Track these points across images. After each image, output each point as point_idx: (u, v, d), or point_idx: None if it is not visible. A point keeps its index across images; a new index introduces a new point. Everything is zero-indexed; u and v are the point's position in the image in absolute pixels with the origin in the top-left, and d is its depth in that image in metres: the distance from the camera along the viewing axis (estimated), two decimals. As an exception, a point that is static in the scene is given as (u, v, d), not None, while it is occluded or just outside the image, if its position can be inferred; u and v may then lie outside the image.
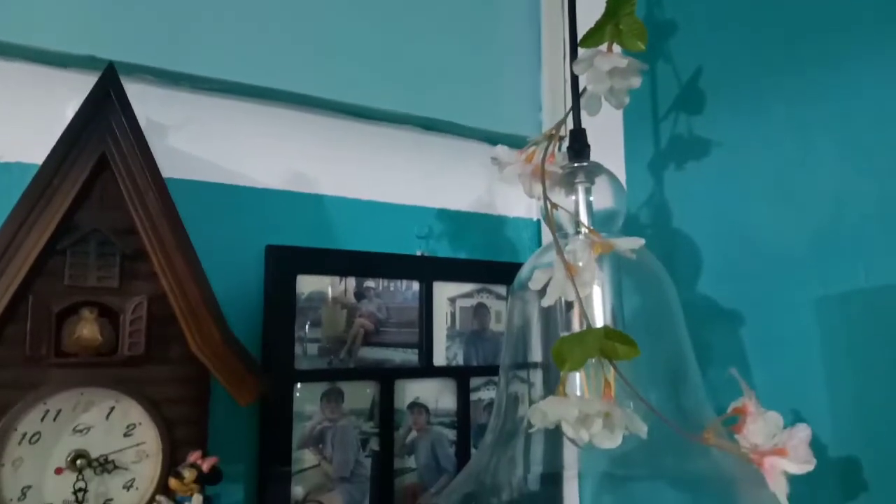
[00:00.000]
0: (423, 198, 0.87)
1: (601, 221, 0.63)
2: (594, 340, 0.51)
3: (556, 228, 0.63)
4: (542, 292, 0.66)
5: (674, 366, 0.61)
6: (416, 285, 0.84)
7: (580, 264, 0.55)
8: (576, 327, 0.61)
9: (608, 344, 0.51)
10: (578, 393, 0.59)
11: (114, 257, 0.59)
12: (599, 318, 0.62)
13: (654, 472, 0.69)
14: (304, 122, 0.80)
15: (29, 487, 0.56)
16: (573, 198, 0.63)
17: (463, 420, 0.84)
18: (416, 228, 0.86)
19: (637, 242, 0.56)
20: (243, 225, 0.75)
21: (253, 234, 0.75)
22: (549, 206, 0.58)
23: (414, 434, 0.81)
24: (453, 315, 0.86)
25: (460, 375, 0.85)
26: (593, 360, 0.53)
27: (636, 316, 0.61)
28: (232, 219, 0.74)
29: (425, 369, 0.82)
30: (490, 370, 0.87)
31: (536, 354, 0.70)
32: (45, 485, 0.57)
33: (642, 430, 0.50)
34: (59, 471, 0.57)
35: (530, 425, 0.70)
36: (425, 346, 0.83)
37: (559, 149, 0.64)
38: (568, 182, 0.63)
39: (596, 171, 0.63)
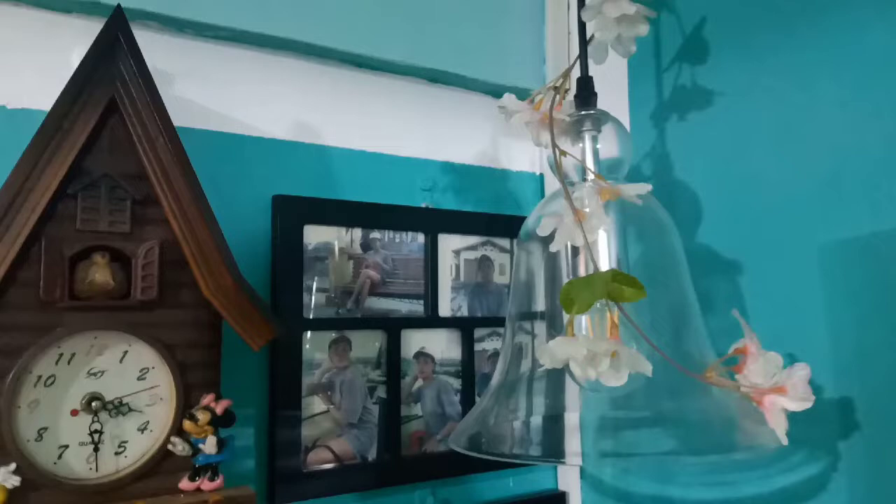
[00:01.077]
0: (427, 150, 0.87)
1: (607, 169, 0.63)
2: (602, 283, 0.52)
3: (563, 177, 0.64)
4: (549, 239, 0.68)
5: (677, 310, 0.62)
6: (421, 237, 0.84)
7: (587, 210, 0.56)
8: (582, 273, 0.62)
9: (615, 286, 0.52)
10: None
11: (124, 202, 0.60)
12: (605, 264, 0.63)
13: (655, 413, 0.71)
14: (310, 72, 0.80)
15: (45, 429, 0.57)
16: (580, 145, 0.63)
17: (468, 369, 0.85)
18: (420, 181, 0.86)
19: (644, 188, 0.56)
20: (249, 175, 0.75)
21: (258, 184, 0.75)
22: (557, 152, 0.58)
23: (420, 382, 0.83)
24: (458, 267, 0.87)
25: (465, 326, 0.86)
26: (599, 304, 0.54)
27: (640, 261, 0.62)
28: (238, 169, 0.74)
29: (431, 320, 0.84)
30: (494, 321, 0.88)
31: (541, 305, 0.71)
32: (61, 426, 0.58)
33: (647, 368, 0.52)
34: (74, 413, 0.58)
35: (539, 365, 0.72)
36: (431, 298, 0.84)
37: (565, 98, 0.65)
38: (575, 130, 0.63)
39: (603, 118, 0.64)
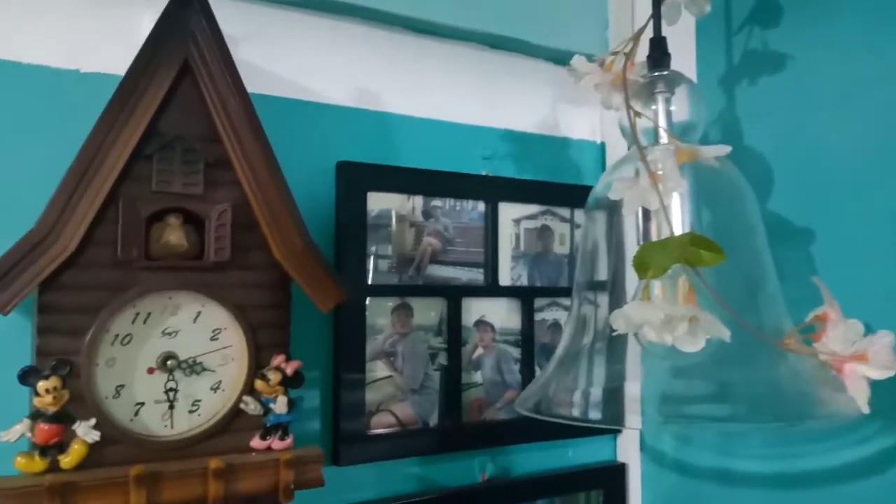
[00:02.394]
0: (487, 118, 0.86)
1: (680, 133, 0.62)
2: (679, 246, 0.51)
3: (633, 141, 0.63)
4: (614, 208, 0.66)
5: (752, 278, 0.60)
6: (481, 205, 0.84)
7: (662, 172, 0.55)
8: (654, 239, 0.61)
9: (692, 250, 0.51)
10: (655, 302, 0.59)
11: (197, 164, 0.60)
12: (678, 229, 0.61)
13: (721, 383, 0.69)
14: (372, 38, 0.79)
15: (122, 386, 0.58)
16: (653, 107, 0.62)
17: (527, 339, 0.85)
18: (480, 149, 0.85)
19: (723, 150, 0.55)
20: (312, 141, 0.75)
21: (322, 150, 0.75)
22: (631, 113, 0.57)
23: (480, 351, 0.83)
24: (518, 236, 0.86)
25: (525, 295, 0.86)
26: (673, 269, 0.53)
27: (714, 227, 0.61)
28: (301, 135, 0.74)
29: (491, 288, 0.83)
30: (554, 291, 0.88)
31: (605, 275, 0.70)
32: (137, 384, 0.59)
33: (725, 334, 0.51)
34: (150, 371, 0.59)
35: (601, 336, 0.71)
36: (491, 266, 0.83)
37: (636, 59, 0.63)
38: (647, 92, 0.62)
39: (676, 80, 0.62)
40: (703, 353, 0.53)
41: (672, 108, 0.61)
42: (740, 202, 0.61)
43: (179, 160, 0.60)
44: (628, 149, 0.81)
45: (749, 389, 0.60)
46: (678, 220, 0.61)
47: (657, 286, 0.60)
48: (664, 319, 0.48)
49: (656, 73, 0.62)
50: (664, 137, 0.61)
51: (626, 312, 0.50)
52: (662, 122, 0.61)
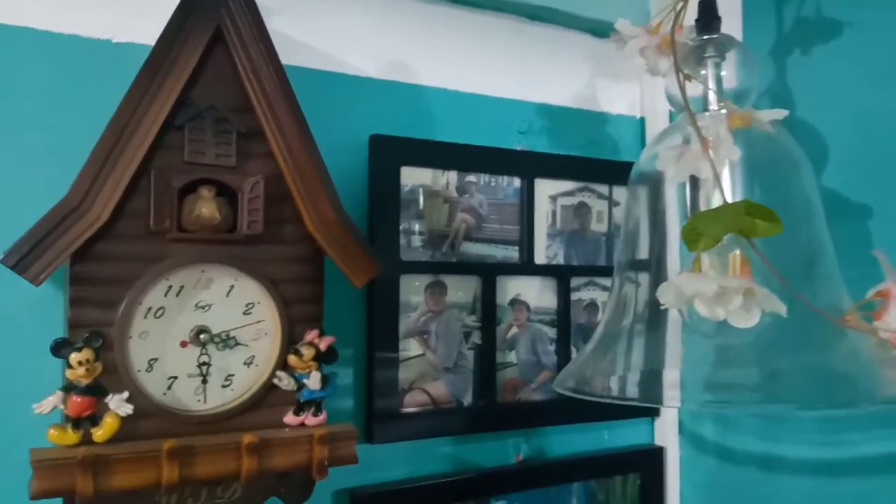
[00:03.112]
0: (523, 91, 0.84)
1: (731, 100, 0.59)
2: (733, 215, 0.49)
3: (680, 108, 0.60)
4: (657, 183, 0.64)
5: (809, 252, 0.58)
6: (517, 181, 0.82)
7: (713, 139, 0.52)
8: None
9: (747, 219, 0.49)
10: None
11: (230, 135, 0.59)
12: (717, 202, 0.59)
13: (769, 364, 0.67)
14: (406, 9, 0.77)
15: (155, 360, 0.58)
16: (702, 73, 0.59)
17: (563, 319, 0.83)
18: (516, 123, 0.83)
19: (780, 114, 0.52)
20: (345, 114, 0.73)
21: (354, 123, 0.74)
22: (681, 77, 0.54)
23: (515, 330, 0.81)
24: (554, 213, 0.84)
25: (561, 274, 0.83)
26: (722, 242, 0.51)
27: (768, 199, 0.58)
28: (334, 107, 0.73)
29: (526, 266, 0.81)
30: (591, 270, 0.85)
31: (646, 252, 0.67)
32: (170, 357, 0.58)
33: (781, 309, 0.48)
34: (183, 344, 0.58)
35: (642, 317, 0.68)
36: (526, 244, 0.81)
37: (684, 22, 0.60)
38: (696, 56, 0.59)
39: (727, 44, 0.59)
40: (753, 331, 0.51)
41: (722, 73, 0.59)
42: (796, 172, 0.58)
43: (212, 130, 0.58)
44: (670, 121, 0.79)
45: (802, 371, 0.58)
46: (728, 192, 0.58)
47: (706, 261, 0.58)
48: (717, 292, 0.46)
49: (706, 37, 0.59)
50: (714, 104, 0.58)
51: (676, 284, 0.48)
52: (713, 87, 0.58)
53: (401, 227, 0.74)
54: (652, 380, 0.68)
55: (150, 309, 0.57)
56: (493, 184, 0.80)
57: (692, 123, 0.51)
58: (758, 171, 0.57)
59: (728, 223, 0.48)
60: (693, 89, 0.59)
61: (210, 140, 0.58)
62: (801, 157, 0.59)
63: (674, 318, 0.65)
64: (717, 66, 0.59)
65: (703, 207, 0.58)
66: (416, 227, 0.76)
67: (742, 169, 0.57)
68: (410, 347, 0.74)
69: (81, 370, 0.53)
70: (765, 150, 0.58)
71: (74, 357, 0.53)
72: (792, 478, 0.76)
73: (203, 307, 0.59)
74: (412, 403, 0.74)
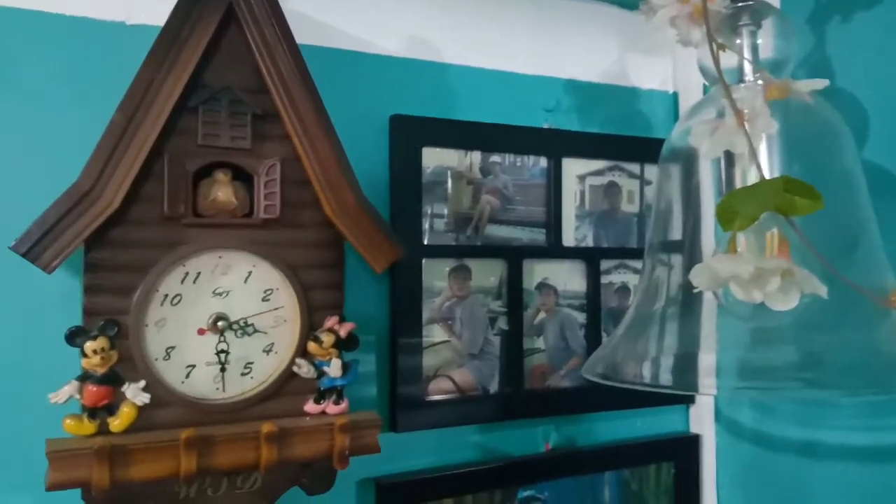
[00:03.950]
0: (550, 67, 0.81)
1: (767, 70, 0.55)
2: (771, 192, 0.46)
3: (714, 80, 0.57)
4: (691, 160, 0.61)
5: (851, 230, 0.54)
6: (543, 161, 0.79)
7: (750, 112, 0.49)
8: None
9: (786, 197, 0.46)
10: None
11: (245, 116, 0.57)
12: (753, 179, 0.55)
13: (808, 348, 0.64)
14: (427, -16, 0.75)
15: (173, 348, 0.57)
16: (737, 42, 0.55)
17: (593, 303, 0.80)
18: (542, 100, 0.80)
19: (820, 83, 0.49)
20: (365, 94, 0.71)
21: (374, 104, 0.72)
22: (714, 46, 0.51)
23: (542, 315, 0.78)
24: (583, 194, 0.81)
25: (590, 257, 0.81)
26: (759, 221, 0.48)
27: (808, 174, 0.55)
28: (353, 87, 0.71)
29: (554, 249, 0.79)
30: (621, 253, 0.83)
31: (679, 233, 0.65)
32: (188, 345, 0.57)
33: (822, 290, 0.45)
34: (201, 332, 0.57)
35: (675, 300, 0.66)
36: (554, 226, 0.79)
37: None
38: (730, 25, 0.56)
39: (763, 11, 0.56)
40: (792, 313, 0.48)
41: (758, 42, 0.55)
42: (837, 146, 0.55)
43: (226, 112, 0.57)
44: (704, 94, 0.75)
45: (844, 354, 0.54)
46: (766, 167, 0.55)
47: (742, 241, 0.55)
48: (754, 273, 0.43)
49: (740, 4, 0.56)
50: (749, 76, 0.55)
51: (710, 266, 0.45)
52: (748, 57, 0.55)
53: (423, 210, 0.72)
54: (686, 366, 0.65)
55: (166, 296, 0.56)
56: (518, 164, 0.78)
57: (726, 95, 0.48)
58: (796, 144, 0.54)
59: (765, 200, 0.46)
60: (727, 60, 0.56)
61: (225, 122, 0.57)
62: (842, 128, 0.55)
63: (708, 300, 0.62)
64: (753, 35, 0.55)
65: (738, 184, 0.55)
66: (439, 209, 0.73)
67: (780, 143, 0.54)
68: (434, 334, 0.72)
69: (96, 359, 0.52)
70: (804, 122, 0.54)
71: (89, 346, 0.52)
72: (833, 465, 0.72)
73: (221, 294, 0.58)
74: (437, 391, 0.72)
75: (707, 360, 0.73)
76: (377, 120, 0.71)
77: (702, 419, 0.85)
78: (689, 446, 0.85)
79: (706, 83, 0.69)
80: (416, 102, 0.73)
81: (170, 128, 0.55)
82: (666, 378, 0.60)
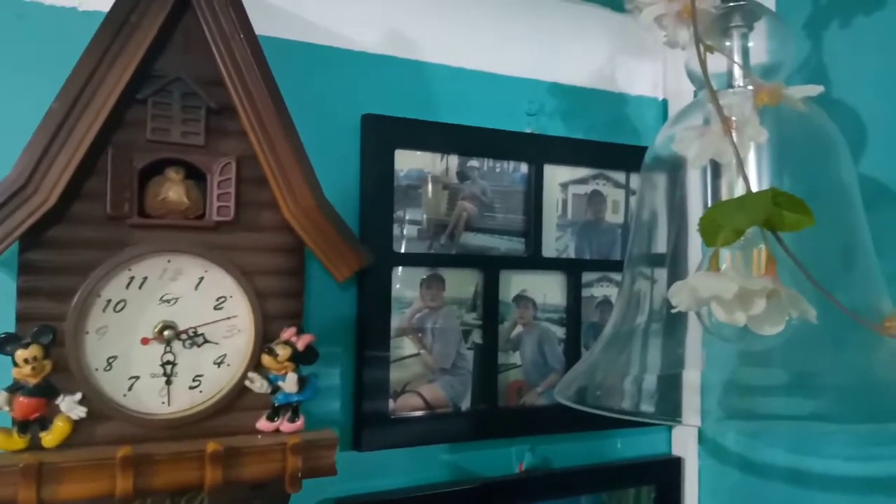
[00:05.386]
0: (534, 69, 0.77)
1: (761, 76, 0.52)
2: (758, 205, 0.42)
3: (701, 84, 0.53)
4: (675, 168, 0.58)
5: (844, 248, 0.51)
6: (524, 167, 0.75)
7: (738, 119, 0.45)
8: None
9: (774, 210, 0.42)
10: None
11: (198, 110, 0.54)
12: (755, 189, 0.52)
13: (798, 372, 0.60)
14: (405, -23, 0.71)
15: (115, 358, 0.53)
16: (727, 44, 0.52)
17: (573, 317, 0.77)
18: (525, 104, 0.76)
19: (814, 90, 0.45)
20: (335, 92, 0.67)
21: (345, 103, 0.68)
22: (701, 48, 0.47)
23: (519, 329, 0.75)
24: (565, 202, 0.78)
25: (571, 269, 0.77)
26: (745, 237, 0.44)
27: (799, 187, 0.51)
28: (323, 85, 0.67)
29: (533, 260, 0.75)
30: (604, 265, 0.79)
31: (663, 246, 0.61)
32: (132, 355, 0.53)
33: (811, 314, 0.42)
34: (145, 341, 0.53)
35: (658, 316, 0.62)
36: (533, 235, 0.75)
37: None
38: (720, 27, 0.52)
39: (756, 11, 0.52)
40: (781, 336, 0.45)
41: (750, 45, 0.52)
42: (831, 157, 0.51)
43: (178, 105, 0.53)
44: (695, 97, 0.72)
45: (836, 381, 0.51)
46: (754, 178, 0.52)
47: (727, 257, 0.51)
48: (738, 294, 0.39)
49: (732, 4, 0.52)
50: (740, 80, 0.51)
51: (690, 285, 0.41)
52: (739, 60, 0.51)
53: (395, 216, 0.68)
54: (669, 390, 0.62)
55: (109, 302, 0.53)
56: (497, 169, 0.74)
57: (713, 100, 0.45)
58: (788, 155, 0.50)
59: (752, 214, 0.42)
60: (717, 64, 0.53)
61: (176, 116, 0.53)
62: (837, 140, 0.52)
63: (693, 317, 0.59)
64: (744, 38, 0.52)
65: (725, 196, 0.51)
66: (413, 215, 0.70)
67: (770, 153, 0.50)
68: (404, 346, 0.68)
69: (27, 368, 0.48)
70: (796, 131, 0.51)
71: (20, 354, 0.48)
72: (824, 495, 0.69)
73: (169, 301, 0.54)
74: (405, 407, 0.68)
75: (691, 384, 0.69)
76: (349, 119, 0.67)
77: (685, 441, 0.81)
78: (670, 469, 0.81)
79: (696, 89, 0.66)
80: (390, 102, 0.69)
81: (115, 120, 0.51)
82: (647, 406, 0.56)
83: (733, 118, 0.45)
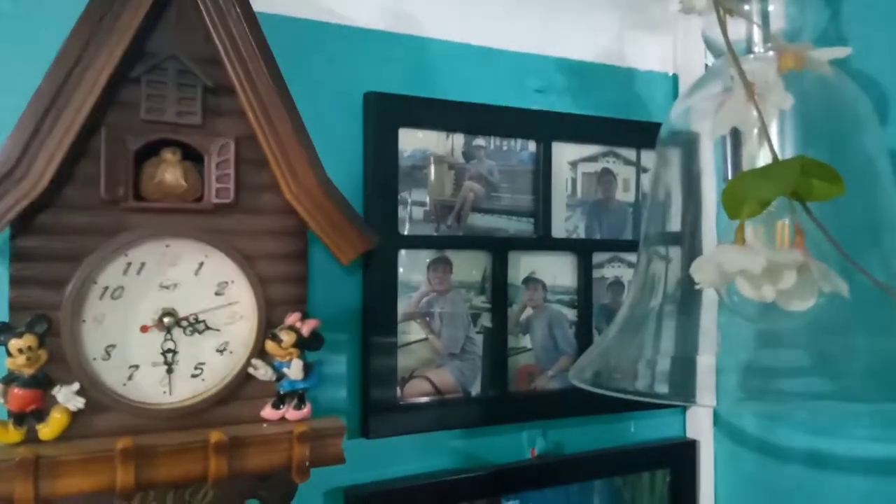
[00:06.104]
0: (541, 45, 0.74)
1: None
2: (786, 174, 0.40)
3: (720, 52, 0.51)
4: (690, 144, 0.56)
5: (873, 221, 0.49)
6: (532, 145, 0.73)
7: (760, 85, 0.43)
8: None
9: (803, 180, 0.40)
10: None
11: (194, 89, 0.51)
12: (764, 161, 0.50)
13: (819, 352, 0.58)
14: (406, -51, 0.69)
15: (113, 346, 0.51)
16: (746, 7, 0.49)
17: (584, 299, 0.75)
18: (532, 80, 0.74)
19: (842, 52, 0.43)
20: (338, 69, 0.65)
21: (348, 81, 0.65)
22: (721, 10, 0.45)
23: (529, 311, 0.73)
24: (574, 181, 0.76)
25: (581, 249, 0.75)
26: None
27: (823, 157, 0.49)
28: (324, 62, 0.65)
29: (542, 241, 0.73)
30: (615, 245, 0.77)
31: (678, 224, 0.59)
32: (131, 344, 0.51)
33: (843, 288, 0.40)
34: (144, 329, 0.52)
35: (673, 298, 0.60)
36: (542, 216, 0.73)
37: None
38: (739, -11, 0.50)
39: (776, -27, 0.50)
40: (806, 314, 0.43)
41: (770, 8, 0.49)
42: (859, 126, 0.49)
43: (173, 84, 0.51)
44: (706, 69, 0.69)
45: (863, 361, 0.49)
46: (776, 146, 0.49)
47: (748, 232, 0.49)
48: (766, 268, 0.37)
49: (750, -33, 0.50)
50: (760, 48, 0.49)
51: (716, 259, 0.39)
52: (758, 22, 0.49)
53: (400, 198, 0.66)
54: (684, 372, 0.60)
55: (106, 289, 0.51)
56: (504, 148, 0.72)
57: (735, 65, 0.42)
58: (811, 125, 0.48)
59: (779, 184, 0.40)
60: (734, 31, 0.50)
61: (171, 95, 0.51)
62: (865, 108, 0.49)
63: (709, 298, 0.57)
64: (764, 1, 0.49)
65: (746, 168, 0.49)
66: (418, 197, 0.68)
67: (792, 122, 0.48)
68: (411, 331, 0.67)
69: (22, 359, 0.47)
70: (821, 99, 0.48)
71: (14, 344, 0.47)
72: (846, 478, 0.67)
73: (168, 286, 0.53)
74: (413, 393, 0.66)
75: (707, 366, 0.67)
76: (351, 98, 0.65)
77: (700, 423, 0.80)
78: (685, 453, 0.79)
79: (709, 64, 0.64)
80: (393, 79, 0.67)
81: (108, 100, 0.49)
82: (661, 387, 0.54)
83: (756, 84, 0.43)
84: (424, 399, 0.67)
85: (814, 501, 0.70)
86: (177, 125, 0.51)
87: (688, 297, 0.57)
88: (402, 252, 0.66)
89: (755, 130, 0.46)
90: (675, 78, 0.82)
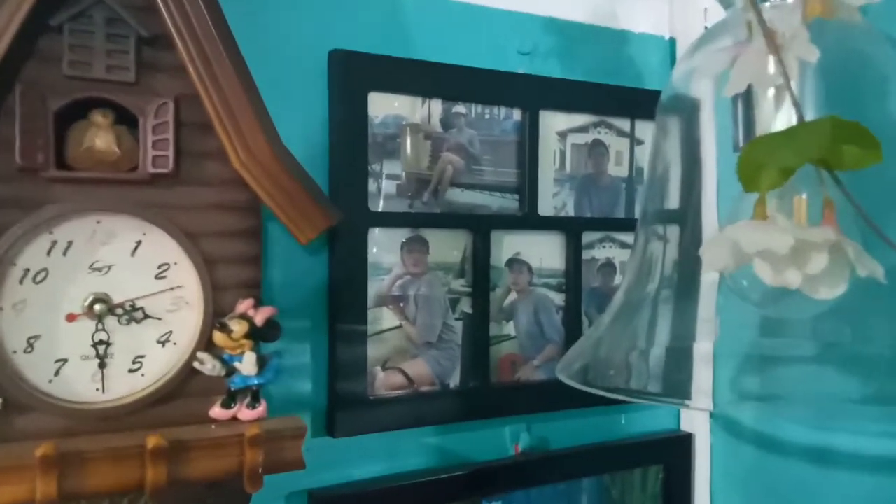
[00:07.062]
0: (527, 2, 0.69)
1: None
2: (814, 138, 0.34)
3: (728, 2, 0.45)
4: (693, 111, 0.50)
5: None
6: (517, 114, 0.67)
7: (781, 35, 0.37)
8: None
9: (834, 144, 0.34)
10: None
11: (126, 40, 0.45)
12: (783, 124, 0.44)
13: (826, 343, 0.53)
14: None
15: (37, 338, 0.45)
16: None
17: (573, 282, 0.70)
18: (517, 42, 0.68)
19: (878, -4, 0.37)
20: (301, 24, 0.59)
21: (312, 36, 0.59)
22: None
23: (513, 296, 0.68)
24: (563, 153, 0.70)
25: (570, 228, 0.70)
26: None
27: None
28: (286, 16, 0.58)
29: (528, 219, 0.68)
30: (607, 224, 0.72)
31: (677, 201, 0.54)
32: (57, 335, 0.45)
33: (879, 272, 0.34)
34: (71, 318, 0.45)
35: (669, 282, 0.55)
36: (528, 192, 0.68)
37: None
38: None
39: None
40: (825, 301, 0.37)
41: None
42: (883, 89, 0.43)
43: (101, 34, 0.44)
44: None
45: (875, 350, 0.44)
46: (785, 112, 0.43)
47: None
48: (794, 247, 0.31)
49: None
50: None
51: (731, 238, 0.33)
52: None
53: (370, 170, 0.60)
54: (679, 367, 0.55)
55: (27, 271, 0.45)
56: (487, 116, 0.66)
57: (754, 9, 0.36)
58: (838, 82, 0.42)
59: (805, 149, 0.34)
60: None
61: (99, 47, 0.44)
62: (893, 68, 0.43)
63: (709, 281, 0.52)
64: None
65: (761, 132, 0.43)
66: (391, 169, 0.62)
67: (817, 79, 0.42)
68: (383, 318, 0.61)
69: (-78, 353, 0.40)
70: (847, 55, 0.42)
71: (-87, 336, 0.40)
72: (851, 475, 0.63)
73: (100, 269, 0.46)
74: (385, 387, 0.61)
75: (704, 355, 0.62)
76: (314, 56, 0.59)
77: (695, 416, 0.75)
78: (680, 447, 0.75)
79: (707, 27, 0.58)
80: (363, 37, 0.61)
81: (23, 51, 0.42)
82: (655, 385, 0.49)
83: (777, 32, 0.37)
84: (397, 393, 0.62)
85: (813, 497, 0.66)
86: (106, 82, 0.44)
87: (684, 280, 0.52)
88: (374, 230, 0.61)
89: (771, 90, 0.40)
90: (671, 42, 0.76)
